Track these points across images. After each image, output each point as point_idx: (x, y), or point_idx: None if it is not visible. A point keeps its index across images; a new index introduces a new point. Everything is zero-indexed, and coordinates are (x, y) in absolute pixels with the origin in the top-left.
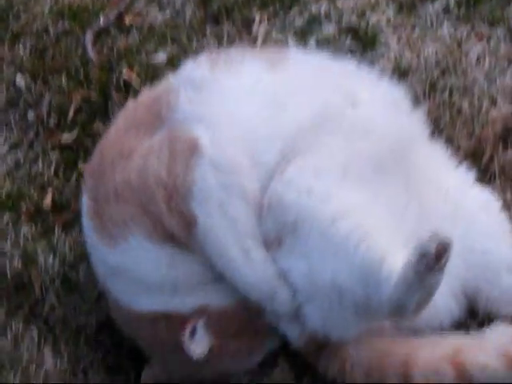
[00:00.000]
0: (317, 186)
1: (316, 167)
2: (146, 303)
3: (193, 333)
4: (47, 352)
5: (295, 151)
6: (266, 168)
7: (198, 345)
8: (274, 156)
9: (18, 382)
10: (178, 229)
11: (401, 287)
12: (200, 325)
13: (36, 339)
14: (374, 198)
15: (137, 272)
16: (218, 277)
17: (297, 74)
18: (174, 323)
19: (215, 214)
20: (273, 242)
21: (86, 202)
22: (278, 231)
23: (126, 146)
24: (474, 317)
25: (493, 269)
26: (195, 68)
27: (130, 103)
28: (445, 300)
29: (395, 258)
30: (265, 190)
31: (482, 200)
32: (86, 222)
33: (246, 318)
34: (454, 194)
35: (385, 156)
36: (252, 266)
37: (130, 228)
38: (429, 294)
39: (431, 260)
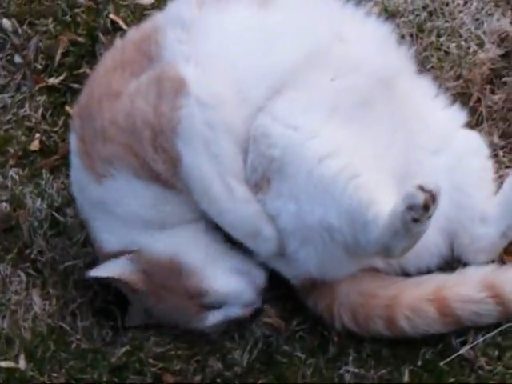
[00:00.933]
0: (304, 121)
1: (305, 103)
2: (116, 241)
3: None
4: (35, 295)
5: (284, 87)
6: (254, 105)
7: (98, 270)
8: (262, 92)
9: (6, 325)
10: (164, 168)
11: (387, 233)
12: (124, 258)
13: (24, 283)
14: (361, 134)
15: (118, 207)
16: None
17: (285, 12)
18: None
19: (200, 151)
20: (261, 183)
21: (74, 141)
22: (264, 169)
23: (114, 85)
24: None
25: (469, 215)
26: (183, 6)
27: (118, 42)
28: (431, 234)
29: (382, 198)
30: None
31: (473, 142)
32: (75, 160)
33: (177, 278)
34: (443, 130)
35: (372, 90)
36: (235, 204)
37: (117, 166)
38: (415, 240)
39: (419, 211)
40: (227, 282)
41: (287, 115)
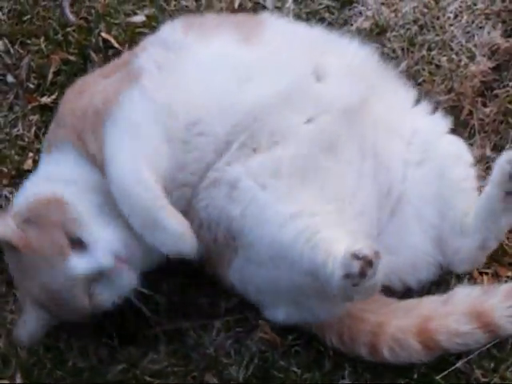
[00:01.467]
0: (272, 183)
1: (276, 162)
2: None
3: None
4: None
5: (255, 129)
6: (215, 139)
7: None
8: (225, 129)
9: (2, 344)
10: (98, 151)
11: (342, 288)
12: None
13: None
14: (325, 181)
15: (53, 169)
16: None
17: (268, 49)
18: None
19: (124, 132)
20: (228, 240)
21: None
22: (226, 227)
23: (83, 86)
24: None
25: (451, 225)
26: (170, 32)
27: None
28: (422, 246)
29: (341, 248)
30: (205, 156)
31: (455, 150)
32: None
33: (59, 211)
34: (425, 139)
35: (340, 125)
36: (138, 186)
37: (65, 143)
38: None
39: (355, 278)
40: (102, 226)
41: (259, 172)
